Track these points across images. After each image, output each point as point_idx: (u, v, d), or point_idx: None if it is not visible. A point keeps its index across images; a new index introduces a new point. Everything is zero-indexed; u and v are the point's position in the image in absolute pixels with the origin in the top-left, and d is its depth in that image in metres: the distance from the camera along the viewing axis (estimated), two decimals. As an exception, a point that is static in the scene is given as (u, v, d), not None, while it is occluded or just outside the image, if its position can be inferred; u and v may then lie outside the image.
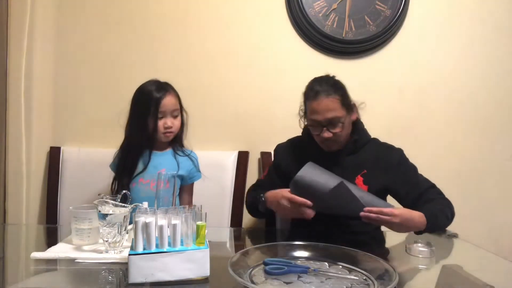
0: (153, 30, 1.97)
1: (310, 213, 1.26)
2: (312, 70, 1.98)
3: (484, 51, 2.01)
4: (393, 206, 1.26)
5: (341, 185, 1.20)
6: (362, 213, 1.19)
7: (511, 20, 2.01)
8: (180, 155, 1.55)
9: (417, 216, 1.24)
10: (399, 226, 1.20)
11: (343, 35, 1.94)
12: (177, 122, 1.51)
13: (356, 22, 1.94)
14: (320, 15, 1.93)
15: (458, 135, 2.02)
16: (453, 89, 2.02)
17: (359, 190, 1.29)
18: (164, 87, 1.48)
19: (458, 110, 2.02)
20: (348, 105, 1.40)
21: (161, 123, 1.46)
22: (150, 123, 1.45)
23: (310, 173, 1.28)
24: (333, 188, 1.20)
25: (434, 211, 1.30)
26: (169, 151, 1.56)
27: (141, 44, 1.97)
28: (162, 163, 1.51)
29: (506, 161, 2.03)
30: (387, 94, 2.01)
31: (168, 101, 1.46)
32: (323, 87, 1.37)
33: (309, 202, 1.25)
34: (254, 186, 1.63)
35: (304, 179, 1.26)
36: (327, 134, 1.37)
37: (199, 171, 1.60)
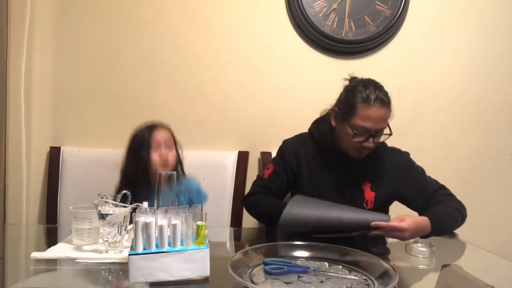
0: (153, 30, 1.97)
1: None
2: (312, 70, 1.99)
3: (484, 50, 2.01)
4: (390, 216, 1.26)
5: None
6: (371, 233, 1.20)
7: (510, 20, 2.01)
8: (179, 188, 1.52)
9: (421, 221, 1.24)
10: (409, 237, 1.21)
11: (343, 35, 1.94)
12: (172, 154, 1.49)
13: (356, 22, 1.94)
14: (320, 15, 1.93)
15: (458, 135, 2.02)
16: (453, 88, 2.02)
17: (350, 210, 1.27)
18: (157, 123, 1.53)
19: (458, 110, 2.02)
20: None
21: (156, 155, 1.46)
22: (145, 156, 1.45)
23: (294, 214, 1.26)
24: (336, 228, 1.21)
25: (439, 214, 1.30)
26: None
27: (141, 43, 1.97)
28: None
29: (506, 161, 2.03)
30: (387, 94, 2.00)
31: (160, 134, 1.48)
32: (381, 96, 1.30)
33: None
34: (260, 189, 1.50)
35: (290, 220, 1.25)
36: (371, 144, 1.32)
37: (201, 196, 1.48)
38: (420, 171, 1.45)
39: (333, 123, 1.41)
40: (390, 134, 1.35)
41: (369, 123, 1.29)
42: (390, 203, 1.46)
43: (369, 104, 1.29)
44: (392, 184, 1.40)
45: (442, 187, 1.42)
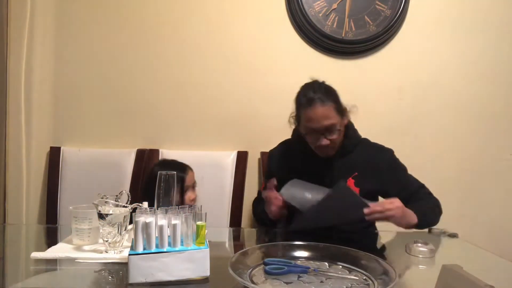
0: (153, 30, 1.97)
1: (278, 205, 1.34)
2: (312, 70, 1.98)
3: (483, 51, 2.01)
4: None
5: (341, 184, 1.21)
6: (366, 210, 1.21)
7: (510, 20, 2.01)
8: None
9: (409, 210, 1.29)
10: (401, 216, 1.25)
11: (343, 35, 1.94)
12: (195, 194, 1.58)
13: (356, 22, 1.94)
14: (320, 15, 1.93)
15: (458, 135, 2.02)
16: (453, 89, 2.02)
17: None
18: (185, 165, 1.58)
19: (458, 110, 2.02)
20: (342, 111, 1.39)
21: (186, 197, 1.53)
22: (175, 199, 1.48)
23: (293, 189, 1.31)
24: (336, 188, 1.21)
25: (423, 209, 1.34)
26: None
27: (141, 43, 1.97)
28: None
29: (506, 161, 2.03)
30: (387, 94, 2.01)
31: (190, 177, 1.55)
32: (317, 94, 1.35)
33: (279, 198, 1.33)
34: (256, 200, 1.65)
35: (289, 195, 1.29)
36: (325, 142, 1.35)
37: None
38: (403, 168, 1.47)
39: (295, 127, 1.48)
40: (339, 130, 1.38)
41: (312, 124, 1.35)
42: (375, 199, 1.47)
43: (307, 106, 1.35)
44: (376, 180, 1.42)
45: (423, 186, 1.46)
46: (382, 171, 1.43)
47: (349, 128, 1.48)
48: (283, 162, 1.54)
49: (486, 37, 2.01)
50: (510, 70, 2.02)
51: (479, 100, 2.02)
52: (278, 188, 1.53)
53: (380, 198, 1.48)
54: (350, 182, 1.42)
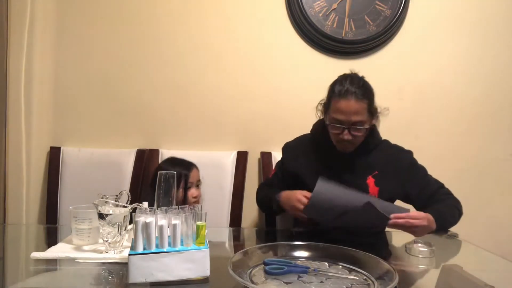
0: (154, 30, 1.97)
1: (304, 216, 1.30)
2: (312, 70, 1.99)
3: (483, 51, 2.01)
4: (409, 210, 1.25)
5: (368, 205, 1.18)
6: (391, 222, 1.18)
7: (511, 21, 2.01)
8: None
9: (431, 218, 1.26)
10: (424, 228, 1.22)
11: (343, 35, 1.94)
12: (199, 192, 1.60)
13: (356, 22, 1.94)
14: (320, 15, 1.93)
15: (458, 135, 2.02)
16: (453, 89, 2.02)
17: (377, 200, 1.27)
18: (192, 162, 1.62)
19: (458, 110, 2.02)
20: (373, 111, 1.38)
21: (189, 193, 1.55)
22: (179, 194, 1.51)
23: (327, 189, 1.26)
24: (363, 207, 1.18)
25: (441, 212, 1.32)
26: None
27: (141, 43, 1.97)
28: None
29: (506, 161, 2.03)
30: (387, 94, 2.00)
31: (195, 174, 1.59)
32: (354, 88, 1.32)
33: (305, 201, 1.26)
34: (263, 185, 1.64)
35: (322, 195, 1.24)
36: (347, 136, 1.34)
37: None
38: (423, 170, 1.47)
39: (320, 116, 1.46)
40: (367, 128, 1.36)
41: (340, 115, 1.32)
42: (394, 200, 1.46)
43: (339, 97, 1.33)
44: (396, 181, 1.41)
45: (442, 186, 1.46)
46: (402, 171, 1.43)
47: (373, 129, 1.46)
48: (296, 156, 1.51)
49: (486, 37, 2.01)
50: (510, 70, 2.02)
51: (479, 100, 2.02)
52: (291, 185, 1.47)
53: (400, 203, 1.46)
54: (370, 180, 1.41)
